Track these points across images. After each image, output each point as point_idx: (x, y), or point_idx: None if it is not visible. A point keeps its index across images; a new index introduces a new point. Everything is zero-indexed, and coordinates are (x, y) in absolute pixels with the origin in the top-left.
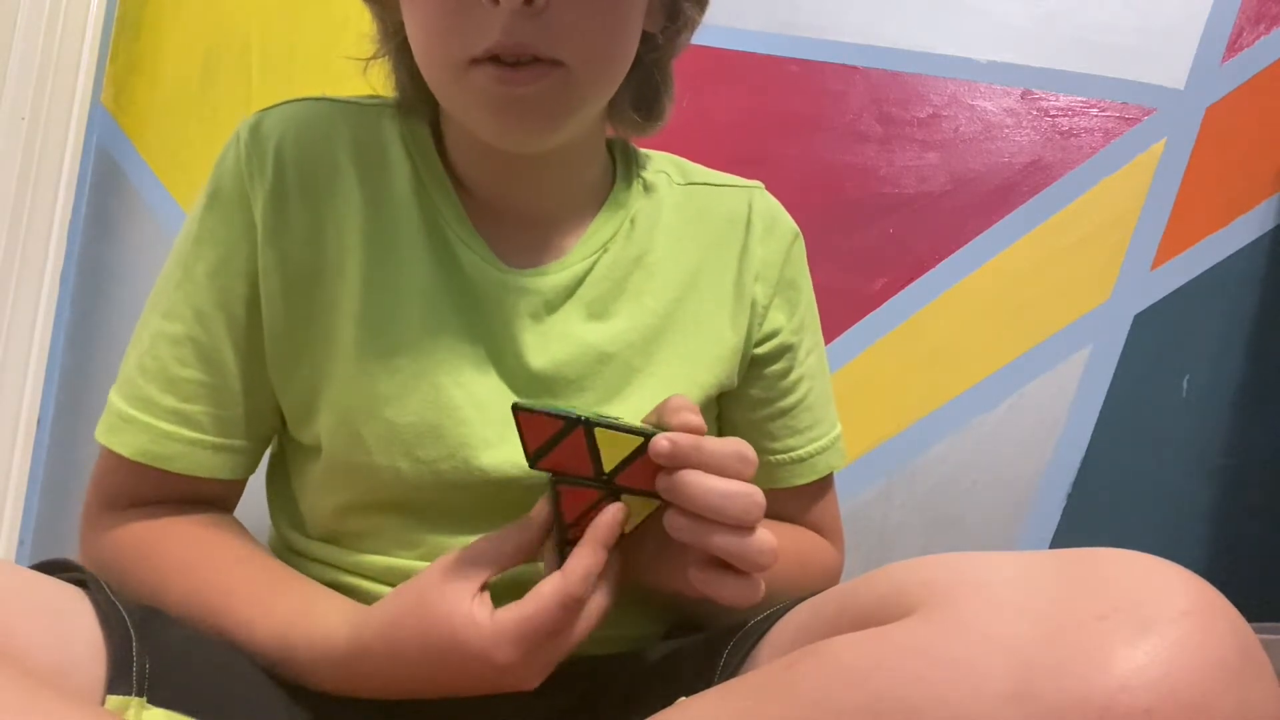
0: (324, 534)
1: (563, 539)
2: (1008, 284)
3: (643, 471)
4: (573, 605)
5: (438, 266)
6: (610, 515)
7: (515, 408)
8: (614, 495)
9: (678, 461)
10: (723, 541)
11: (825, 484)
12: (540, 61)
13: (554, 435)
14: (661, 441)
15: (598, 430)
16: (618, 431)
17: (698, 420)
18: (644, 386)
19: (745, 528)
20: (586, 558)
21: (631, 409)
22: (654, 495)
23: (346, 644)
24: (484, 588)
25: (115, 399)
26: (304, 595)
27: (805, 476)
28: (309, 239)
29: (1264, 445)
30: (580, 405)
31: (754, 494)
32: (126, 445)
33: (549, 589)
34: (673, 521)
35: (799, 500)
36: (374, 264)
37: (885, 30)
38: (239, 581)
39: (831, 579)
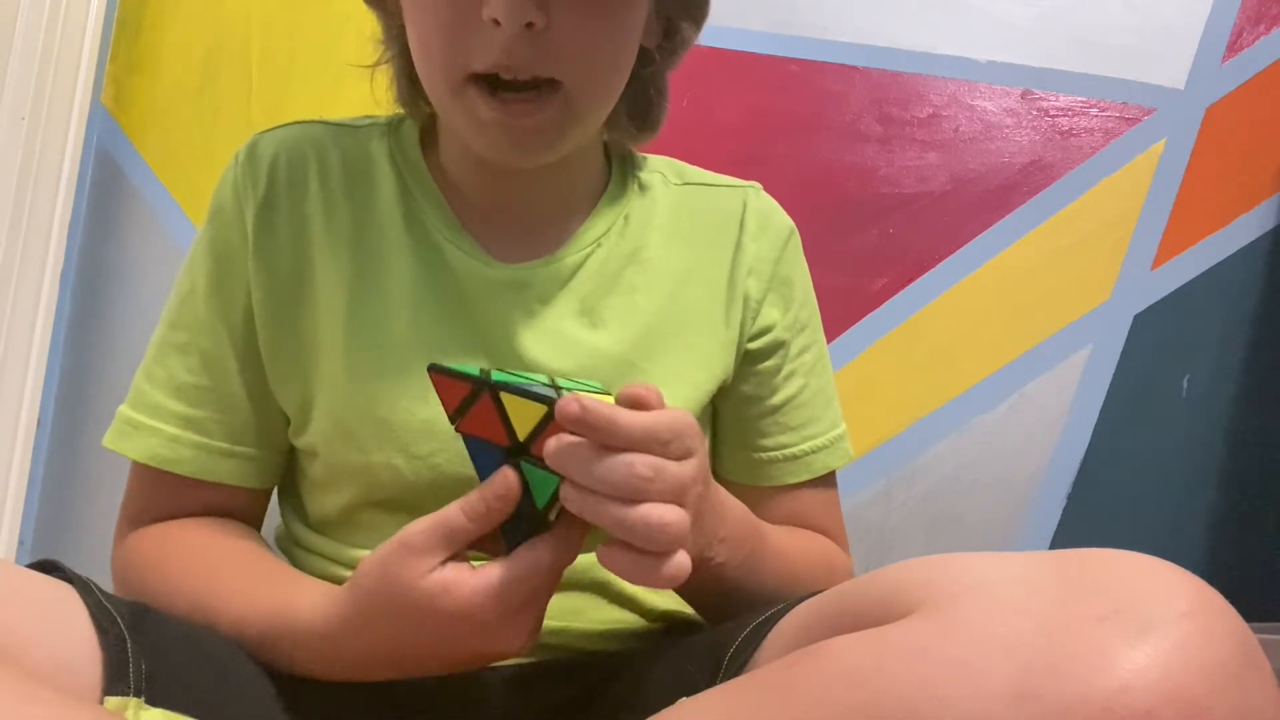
0: (326, 527)
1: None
2: (1008, 284)
3: None
4: (559, 572)
5: (424, 268)
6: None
7: (430, 368)
8: (518, 466)
9: (584, 430)
10: (611, 515)
11: (825, 484)
12: (538, 82)
13: (465, 398)
14: (571, 404)
15: (504, 395)
16: (525, 398)
17: (649, 395)
18: (644, 381)
19: (633, 502)
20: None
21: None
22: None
23: (326, 626)
24: (453, 556)
25: (124, 408)
26: (286, 585)
27: (799, 475)
28: (295, 250)
29: (1264, 445)
30: (564, 379)
31: (634, 464)
32: (136, 449)
33: (543, 553)
34: (564, 491)
35: (796, 500)
36: (360, 272)
37: (885, 30)
38: (229, 579)
39: (840, 579)
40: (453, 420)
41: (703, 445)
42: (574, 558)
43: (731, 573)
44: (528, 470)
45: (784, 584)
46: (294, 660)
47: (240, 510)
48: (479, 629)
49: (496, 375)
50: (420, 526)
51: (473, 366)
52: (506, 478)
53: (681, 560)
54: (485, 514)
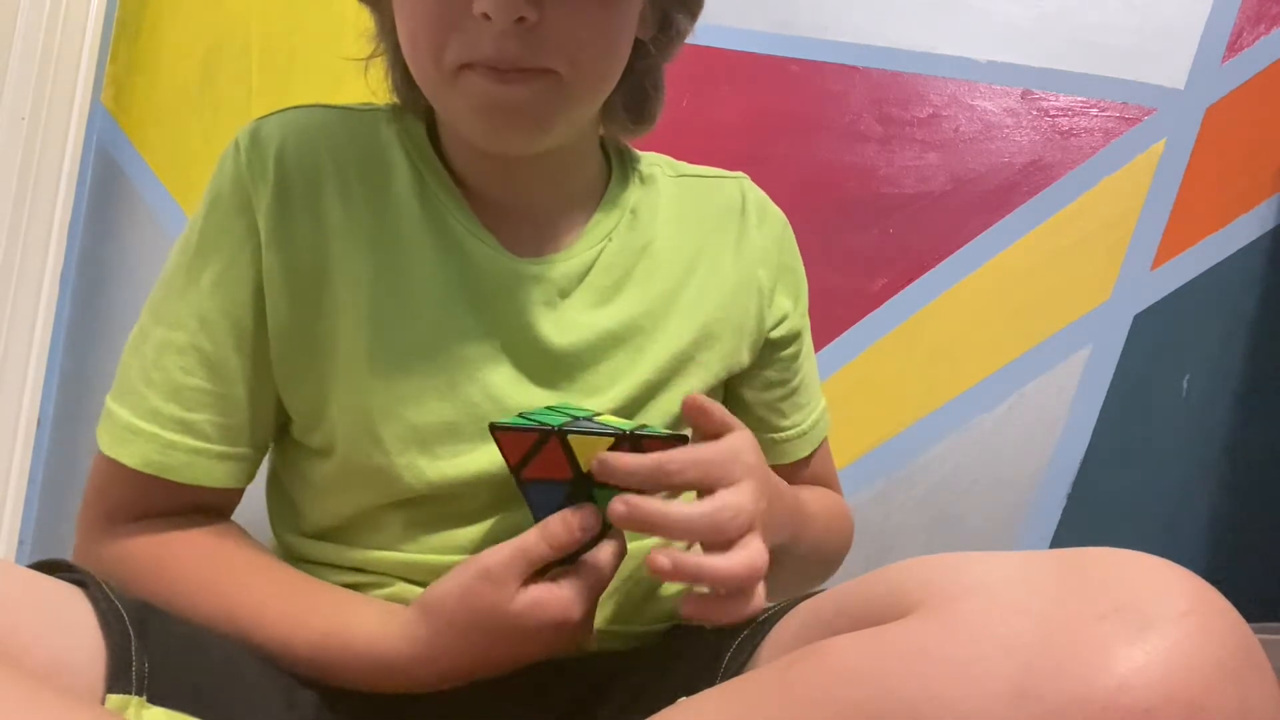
0: (328, 533)
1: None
2: (1008, 284)
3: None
4: (618, 566)
5: (446, 261)
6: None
7: (492, 427)
8: (589, 494)
9: (633, 526)
10: (712, 572)
11: (824, 446)
12: (532, 69)
13: (532, 447)
14: (618, 505)
15: (571, 437)
16: (590, 435)
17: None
18: (654, 365)
19: (719, 547)
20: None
21: (642, 384)
22: (632, 489)
23: (397, 655)
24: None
25: (118, 409)
26: (333, 605)
27: (809, 448)
28: (313, 242)
29: (1264, 445)
30: (562, 404)
31: (716, 513)
32: (133, 456)
33: (609, 555)
34: (654, 557)
35: (807, 467)
36: (381, 265)
37: (885, 30)
38: (264, 596)
39: (851, 528)
40: (516, 470)
41: (756, 449)
42: (625, 550)
43: (781, 548)
44: (598, 493)
45: (814, 546)
46: (350, 680)
47: (220, 507)
48: (569, 629)
49: (547, 419)
50: (501, 556)
51: (517, 419)
52: (594, 513)
53: (761, 592)
54: (568, 543)
